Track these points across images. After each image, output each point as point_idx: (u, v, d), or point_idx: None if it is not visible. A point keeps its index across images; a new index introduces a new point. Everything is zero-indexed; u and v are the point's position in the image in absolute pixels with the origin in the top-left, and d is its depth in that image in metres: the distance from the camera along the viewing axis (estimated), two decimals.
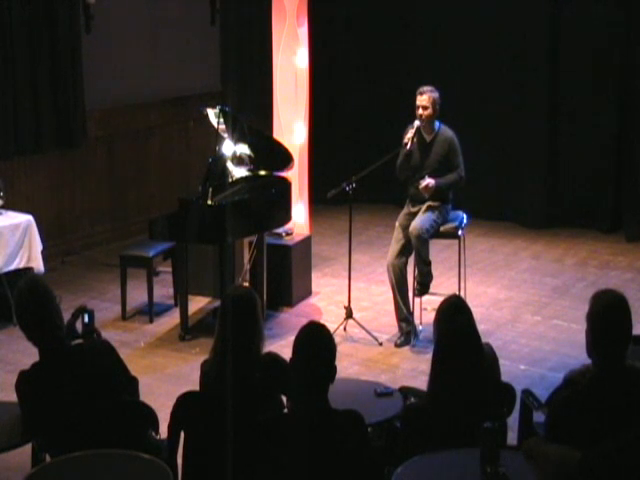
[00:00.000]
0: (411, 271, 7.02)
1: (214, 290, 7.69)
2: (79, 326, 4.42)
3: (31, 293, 4.08)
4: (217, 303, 7.20)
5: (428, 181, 6.85)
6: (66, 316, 4.27)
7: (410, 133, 6.88)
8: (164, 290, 7.90)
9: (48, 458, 4.16)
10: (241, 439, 3.77)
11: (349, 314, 7.15)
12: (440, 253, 8.08)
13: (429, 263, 6.95)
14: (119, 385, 4.20)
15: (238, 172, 7.50)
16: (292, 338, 3.77)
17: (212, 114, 7.35)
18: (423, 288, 6.99)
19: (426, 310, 7.09)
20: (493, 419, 3.61)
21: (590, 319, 3.74)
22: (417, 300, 7.10)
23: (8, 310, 7.27)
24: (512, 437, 4.45)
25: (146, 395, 4.47)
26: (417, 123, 6.92)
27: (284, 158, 7.53)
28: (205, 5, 10.19)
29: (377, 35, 10.47)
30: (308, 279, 8.00)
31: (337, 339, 4.13)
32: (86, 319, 4.36)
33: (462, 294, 7.03)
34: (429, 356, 4.13)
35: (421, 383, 5.27)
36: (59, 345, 4.09)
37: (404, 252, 6.95)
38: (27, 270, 7.33)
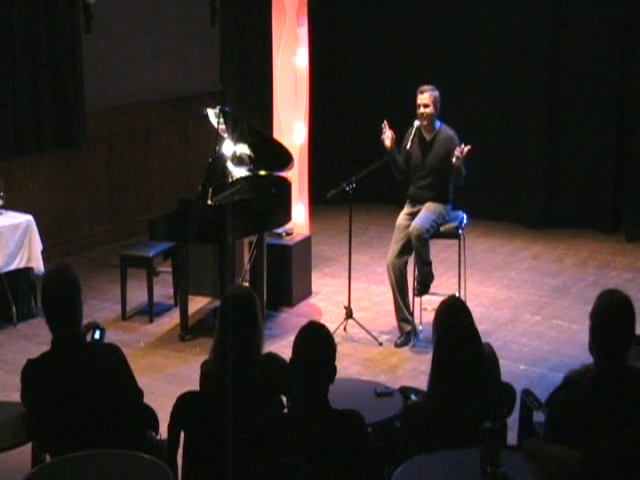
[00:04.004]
0: (411, 271, 7.02)
1: (214, 290, 7.68)
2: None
3: (62, 277, 4.13)
4: (217, 303, 7.20)
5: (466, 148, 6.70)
6: None
7: (410, 134, 6.89)
8: (164, 290, 7.89)
9: (48, 458, 4.16)
10: (241, 439, 3.77)
11: (349, 314, 7.14)
12: (440, 253, 8.08)
13: (429, 263, 6.95)
14: (124, 386, 4.20)
15: (238, 172, 7.49)
16: (292, 338, 3.77)
17: (212, 114, 7.35)
18: (423, 288, 6.99)
19: (426, 310, 7.09)
20: (493, 419, 3.61)
21: (593, 317, 3.74)
22: (417, 300, 7.09)
23: (8, 310, 7.30)
24: (512, 437, 4.45)
25: (146, 395, 4.46)
26: (417, 123, 6.92)
27: (284, 158, 7.53)
28: (205, 5, 10.19)
29: (377, 35, 10.47)
30: (308, 279, 7.99)
31: (337, 339, 4.12)
32: (97, 335, 4.34)
33: (462, 294, 7.04)
34: (429, 356, 4.13)
35: (421, 383, 5.26)
36: (73, 338, 4.10)
37: (404, 252, 6.95)
38: (27, 270, 7.33)
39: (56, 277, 4.16)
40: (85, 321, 4.29)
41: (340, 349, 4.21)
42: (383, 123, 6.90)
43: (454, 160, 6.70)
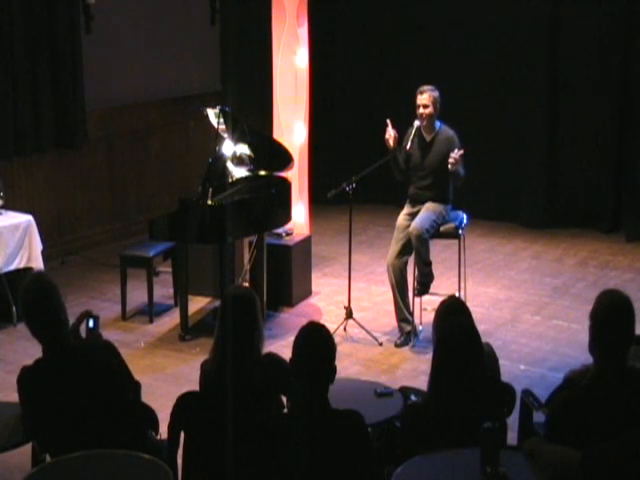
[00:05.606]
0: (411, 271, 7.02)
1: (214, 290, 7.69)
2: (83, 331, 4.41)
3: (37, 286, 4.12)
4: (217, 303, 7.21)
5: (459, 152, 6.72)
6: (71, 318, 4.26)
7: (410, 134, 6.89)
8: (164, 290, 7.90)
9: (48, 458, 4.16)
10: (241, 439, 3.77)
11: (349, 314, 7.15)
12: (440, 253, 8.08)
13: (429, 263, 6.95)
14: (121, 385, 4.20)
15: (238, 172, 7.50)
16: (292, 338, 3.77)
17: (212, 114, 7.35)
18: (423, 288, 6.99)
19: (426, 310, 7.09)
20: (493, 419, 3.61)
21: (593, 317, 3.74)
22: (417, 300, 7.09)
23: (8, 310, 7.30)
24: (512, 437, 4.45)
25: (146, 395, 4.47)
26: (417, 123, 6.92)
27: (284, 158, 7.53)
28: (205, 5, 10.19)
29: (377, 35, 10.47)
30: (308, 279, 7.99)
31: (337, 339, 4.13)
32: (91, 324, 4.35)
33: (462, 294, 7.04)
34: (429, 356, 4.13)
35: (421, 383, 5.27)
36: (63, 341, 4.09)
37: (404, 252, 6.95)
38: (27, 270, 7.33)
39: (31, 285, 4.14)
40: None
41: (340, 349, 4.22)
42: (387, 122, 6.88)
43: (450, 166, 6.71)
